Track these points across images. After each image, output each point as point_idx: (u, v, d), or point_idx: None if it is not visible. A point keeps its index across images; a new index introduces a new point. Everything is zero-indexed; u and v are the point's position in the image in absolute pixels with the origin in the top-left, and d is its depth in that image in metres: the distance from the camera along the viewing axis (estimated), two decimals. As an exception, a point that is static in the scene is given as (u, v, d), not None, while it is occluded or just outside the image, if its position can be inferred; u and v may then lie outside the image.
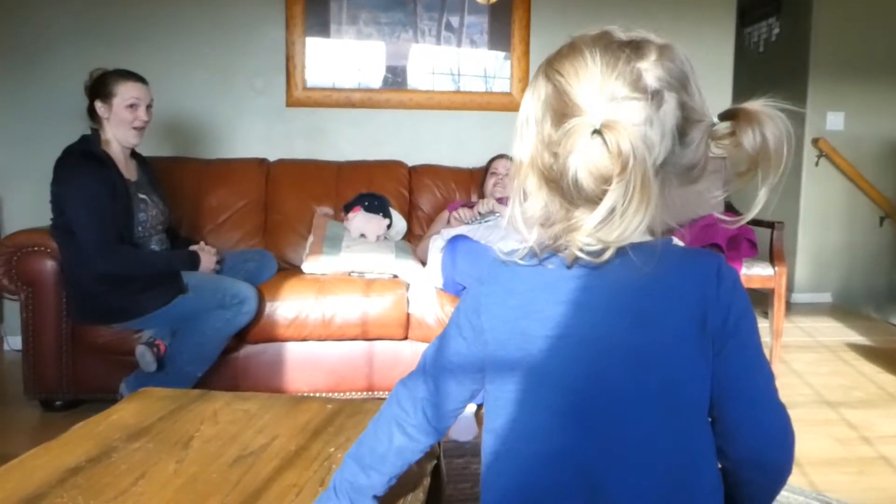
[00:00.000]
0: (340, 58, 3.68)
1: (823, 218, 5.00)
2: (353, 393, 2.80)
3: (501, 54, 3.79)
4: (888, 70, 4.97)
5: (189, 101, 3.56)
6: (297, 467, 1.23)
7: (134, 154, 2.73)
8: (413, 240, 3.38)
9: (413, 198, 3.51)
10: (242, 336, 2.66)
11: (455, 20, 3.73)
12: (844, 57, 4.90)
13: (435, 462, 1.38)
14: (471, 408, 2.62)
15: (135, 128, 2.59)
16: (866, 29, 4.93)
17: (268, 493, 1.14)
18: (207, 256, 2.70)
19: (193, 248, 2.74)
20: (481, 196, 3.36)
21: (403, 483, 1.18)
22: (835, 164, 4.95)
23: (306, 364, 2.77)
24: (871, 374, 3.30)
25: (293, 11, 3.57)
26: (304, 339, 2.74)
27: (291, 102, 3.65)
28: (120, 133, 2.59)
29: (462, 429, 2.53)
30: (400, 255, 3.00)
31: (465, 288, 2.73)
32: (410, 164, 3.60)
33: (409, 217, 3.46)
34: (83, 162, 2.48)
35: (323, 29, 3.63)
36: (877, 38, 4.95)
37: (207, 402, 1.55)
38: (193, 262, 2.65)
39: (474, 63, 3.80)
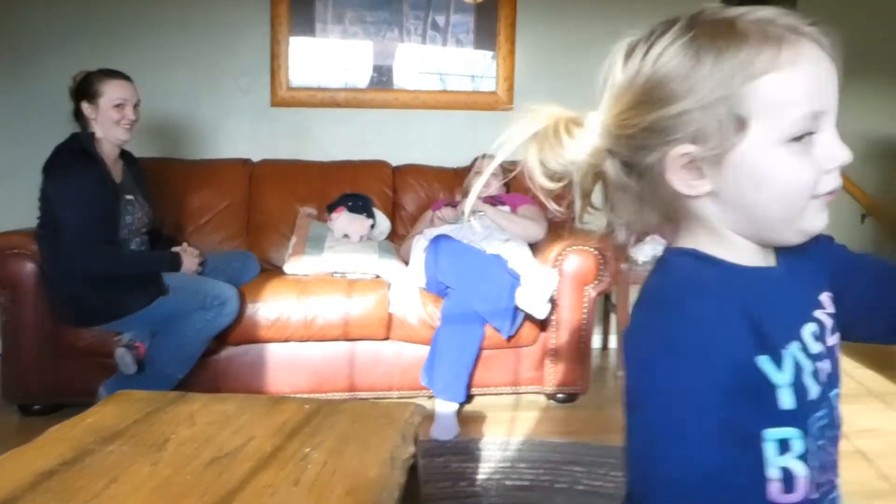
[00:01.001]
0: (325, 57, 3.67)
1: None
2: (336, 394, 2.79)
3: (487, 53, 3.78)
4: (871, 70, 5.00)
5: (173, 100, 3.54)
6: (273, 468, 1.23)
7: (122, 154, 2.72)
8: (397, 240, 3.37)
9: (397, 198, 3.51)
10: (223, 337, 2.65)
11: (441, 19, 3.73)
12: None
13: (412, 461, 1.39)
14: (452, 406, 2.62)
15: (123, 126, 2.59)
16: (850, 29, 4.91)
17: (242, 493, 1.14)
18: (189, 258, 2.69)
19: (176, 249, 2.73)
20: (466, 196, 3.36)
21: (378, 481, 1.18)
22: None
23: (288, 365, 2.76)
24: (850, 370, 3.32)
25: (278, 10, 3.56)
26: (285, 341, 2.73)
27: (276, 102, 3.63)
28: (109, 132, 2.58)
29: (443, 428, 2.53)
30: (383, 255, 3.00)
31: (447, 287, 2.73)
32: (396, 163, 3.59)
33: (393, 217, 3.46)
34: (75, 159, 2.48)
35: (308, 28, 3.62)
36: (860, 39, 4.97)
37: (185, 404, 1.54)
38: (175, 263, 2.64)
39: (460, 62, 3.79)
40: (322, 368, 2.78)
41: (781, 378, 0.71)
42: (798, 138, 0.69)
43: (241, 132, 3.63)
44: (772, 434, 0.71)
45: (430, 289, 2.82)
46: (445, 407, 2.63)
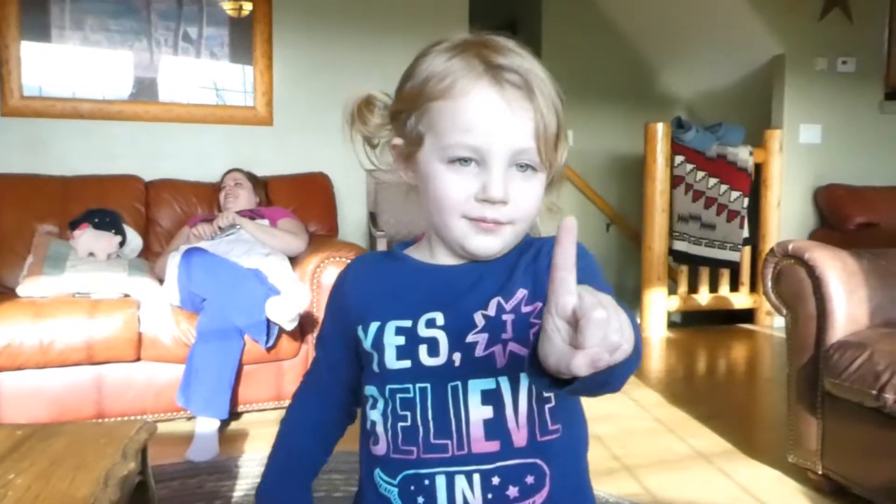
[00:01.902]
0: (67, 65, 3.43)
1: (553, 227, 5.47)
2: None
3: (244, 67, 3.74)
4: (607, 95, 5.58)
5: None
6: (-35, 499, 1.13)
7: None
8: (151, 257, 3.22)
9: (150, 213, 3.35)
10: (-59, 369, 2.38)
11: (193, 31, 3.63)
12: (572, 81, 5.36)
13: (137, 479, 1.34)
14: (213, 424, 2.54)
15: None
16: (589, 58, 5.50)
17: (-77, 530, 1.04)
18: None
19: None
20: (221, 210, 3.28)
21: (86, 501, 1.12)
22: (566, 177, 5.44)
23: (23, 395, 2.53)
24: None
25: (5, 12, 3.27)
26: (19, 368, 2.50)
27: (6, 111, 3.33)
28: None
29: (199, 449, 2.45)
30: (133, 273, 2.85)
31: (203, 301, 2.65)
32: (149, 178, 3.43)
33: (146, 234, 3.30)
34: None
35: (42, 33, 3.36)
36: (598, 67, 5.54)
37: None
38: None
39: (215, 75, 3.72)
40: (64, 396, 2.58)
41: (365, 344, 0.84)
42: (456, 161, 0.78)
43: (-36, 144, 3.29)
44: (367, 389, 0.86)
45: (185, 305, 2.72)
46: (206, 426, 2.54)
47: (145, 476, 1.45)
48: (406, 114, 0.83)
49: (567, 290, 0.55)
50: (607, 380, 0.60)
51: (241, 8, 3.69)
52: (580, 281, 0.76)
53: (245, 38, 3.70)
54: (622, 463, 2.45)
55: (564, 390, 0.60)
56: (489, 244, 0.80)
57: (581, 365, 0.53)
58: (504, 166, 0.77)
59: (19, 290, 2.71)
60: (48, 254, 2.86)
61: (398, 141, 0.85)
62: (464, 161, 0.78)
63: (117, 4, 3.47)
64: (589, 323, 0.52)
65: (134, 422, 1.50)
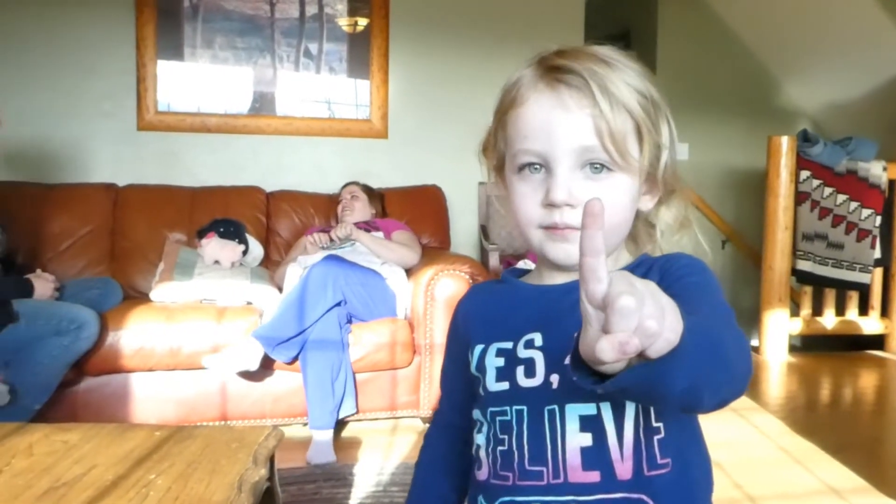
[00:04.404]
0: (196, 82, 3.60)
1: (676, 243, 5.31)
2: (208, 423, 2.71)
3: (361, 82, 3.82)
4: (725, 106, 5.38)
5: (30, 123, 3.38)
6: (112, 496, 1.18)
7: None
8: (271, 266, 3.33)
9: (271, 223, 3.47)
10: (81, 367, 2.53)
11: (314, 47, 3.74)
12: (687, 93, 5.25)
13: (266, 485, 1.37)
14: (328, 434, 2.59)
15: None
16: (706, 68, 5.33)
17: (76, 523, 1.09)
18: (43, 283, 2.56)
19: (28, 275, 2.59)
20: (339, 222, 3.35)
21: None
22: (678, 186, 5.27)
23: (154, 396, 2.66)
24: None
25: (144, 33, 3.48)
26: (150, 370, 2.63)
27: (143, 126, 3.54)
28: None
29: (319, 453, 2.50)
30: (255, 281, 2.95)
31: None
32: (269, 189, 3.56)
33: (266, 243, 3.42)
34: None
35: (176, 52, 3.55)
36: (715, 77, 5.36)
37: (23, 435, 1.46)
38: (26, 289, 2.50)
39: (334, 90, 3.82)
40: (191, 398, 2.69)
41: (472, 367, 0.84)
42: (525, 169, 0.78)
43: (105, 156, 3.51)
44: (474, 414, 0.85)
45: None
46: (321, 433, 2.60)
47: (272, 482, 1.49)
48: (496, 132, 0.84)
49: (595, 278, 0.52)
50: (659, 379, 0.54)
51: (356, 24, 3.79)
52: (691, 296, 0.72)
53: (362, 53, 3.79)
54: (745, 492, 2.33)
55: (604, 385, 0.55)
56: (569, 252, 0.77)
57: (605, 348, 0.49)
58: (569, 168, 0.76)
59: (152, 295, 2.85)
60: (178, 261, 3.00)
61: (494, 161, 0.86)
62: (534, 168, 0.77)
63: (244, 23, 3.63)
64: (613, 311, 0.49)
65: (263, 427, 1.54)
